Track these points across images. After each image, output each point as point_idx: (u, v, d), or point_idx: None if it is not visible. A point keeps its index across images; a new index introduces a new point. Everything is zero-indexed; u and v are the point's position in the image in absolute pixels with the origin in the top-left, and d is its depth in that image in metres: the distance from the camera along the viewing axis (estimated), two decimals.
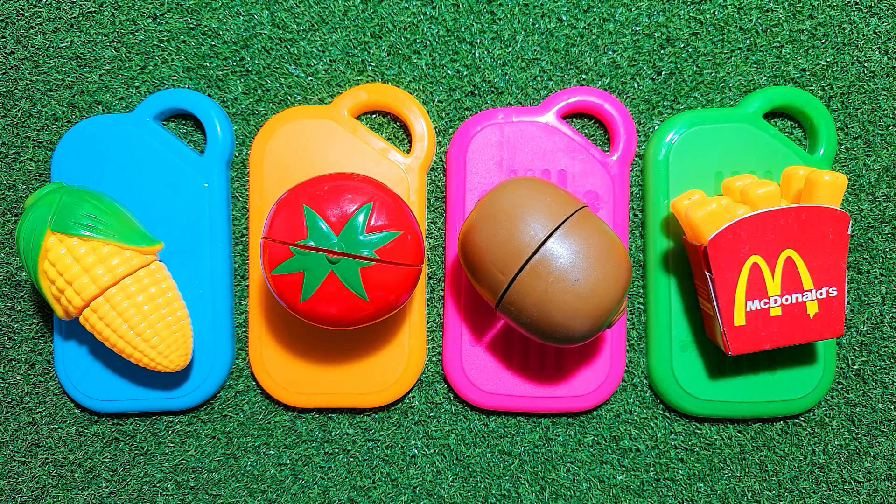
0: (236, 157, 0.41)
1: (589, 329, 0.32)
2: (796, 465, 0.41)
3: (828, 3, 0.40)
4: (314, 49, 0.41)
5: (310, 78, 0.41)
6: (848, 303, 0.41)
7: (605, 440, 0.41)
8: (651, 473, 0.41)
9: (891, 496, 0.41)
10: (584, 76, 0.41)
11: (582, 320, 0.32)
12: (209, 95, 0.41)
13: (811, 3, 0.40)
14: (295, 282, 0.32)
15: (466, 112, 0.41)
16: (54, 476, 0.41)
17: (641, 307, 0.41)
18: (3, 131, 0.41)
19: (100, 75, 0.41)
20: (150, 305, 0.34)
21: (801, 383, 0.40)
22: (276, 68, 0.41)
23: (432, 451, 0.41)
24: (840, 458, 0.41)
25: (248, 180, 0.41)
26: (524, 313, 0.32)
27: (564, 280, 0.31)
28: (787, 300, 0.35)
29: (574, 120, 0.41)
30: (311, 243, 0.31)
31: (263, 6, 0.40)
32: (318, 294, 0.32)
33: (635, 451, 0.41)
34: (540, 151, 0.39)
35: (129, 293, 0.34)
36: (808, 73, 0.41)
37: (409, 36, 0.40)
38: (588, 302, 0.31)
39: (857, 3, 0.41)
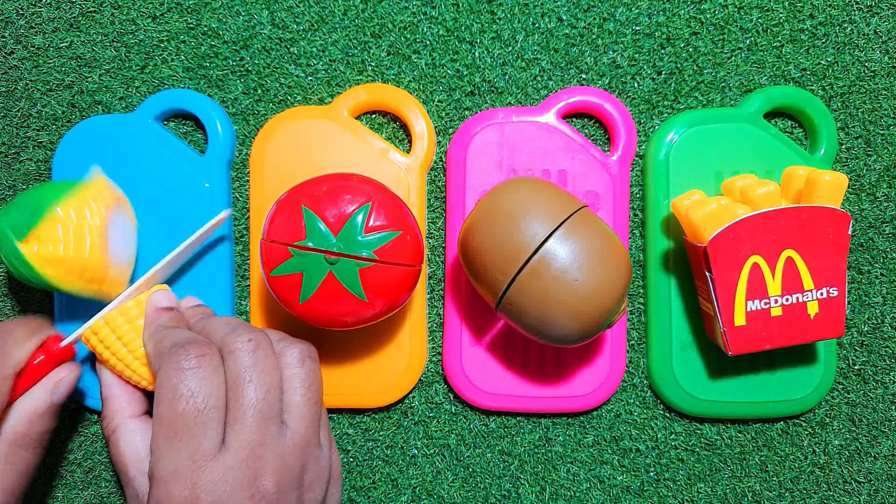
0: (237, 157, 0.41)
1: (589, 329, 0.32)
2: (797, 465, 0.41)
3: (828, 3, 0.40)
4: (314, 49, 0.41)
5: (310, 78, 0.41)
6: (848, 303, 0.41)
7: (605, 440, 0.41)
8: (651, 473, 0.41)
9: (891, 496, 0.41)
10: (584, 76, 0.41)
11: (582, 320, 0.32)
12: (209, 95, 0.41)
13: (811, 3, 0.40)
14: (294, 283, 0.32)
15: (466, 112, 0.41)
16: (54, 476, 0.41)
17: (641, 307, 0.41)
18: (3, 131, 0.41)
19: (100, 75, 0.41)
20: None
21: (801, 383, 0.40)
22: (276, 68, 0.41)
23: (432, 451, 0.41)
24: (840, 459, 0.41)
25: (248, 180, 0.41)
26: (524, 313, 0.32)
27: (564, 280, 0.31)
28: (787, 300, 0.35)
29: (574, 120, 0.41)
30: (310, 244, 0.31)
31: (263, 6, 0.40)
32: (317, 295, 0.32)
33: (635, 451, 0.41)
34: (540, 151, 0.39)
35: (130, 317, 0.34)
36: (808, 72, 0.41)
37: (409, 36, 0.40)
38: (588, 302, 0.31)
39: (857, 3, 0.40)
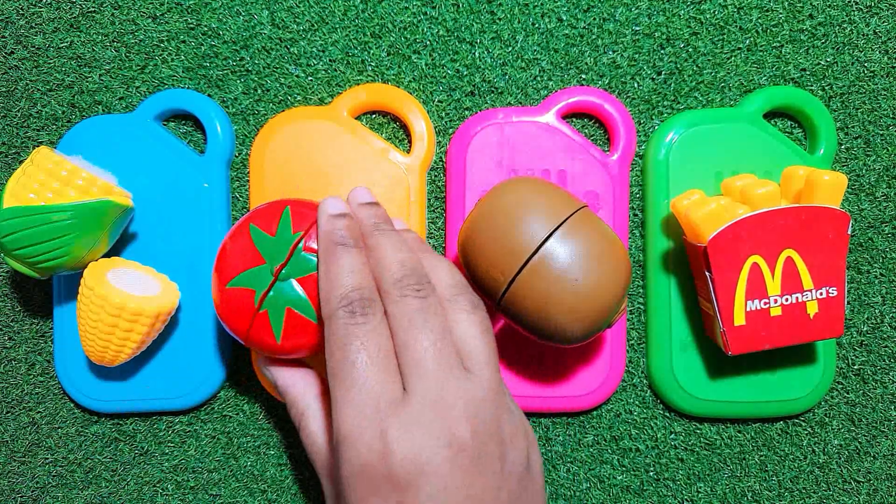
0: (236, 157, 0.41)
1: (589, 329, 0.32)
2: (796, 464, 0.41)
3: (828, 3, 0.40)
4: (314, 49, 0.41)
5: (310, 78, 0.41)
6: (848, 303, 0.41)
7: (605, 440, 0.41)
8: (651, 473, 0.41)
9: (891, 496, 0.41)
10: (584, 76, 0.41)
11: (582, 320, 0.32)
12: (209, 95, 0.41)
13: (811, 3, 0.40)
14: (239, 259, 0.32)
15: (466, 112, 0.41)
16: (54, 476, 0.41)
17: (641, 307, 0.41)
18: (3, 131, 0.41)
19: (100, 75, 0.41)
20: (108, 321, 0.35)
21: (801, 383, 0.40)
22: (276, 68, 0.41)
23: None
24: (840, 458, 0.41)
25: (248, 180, 0.41)
26: (524, 313, 0.32)
27: (564, 280, 0.31)
28: (787, 300, 0.35)
29: (574, 120, 0.41)
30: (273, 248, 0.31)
31: (263, 6, 0.40)
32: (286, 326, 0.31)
33: (635, 451, 0.41)
34: (540, 151, 0.39)
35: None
36: (808, 72, 0.41)
37: (409, 36, 0.40)
38: (588, 302, 0.31)
39: (857, 3, 0.41)
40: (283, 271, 0.31)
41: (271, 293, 0.31)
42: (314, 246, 0.31)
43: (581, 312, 0.32)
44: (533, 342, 0.40)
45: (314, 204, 0.33)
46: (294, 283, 0.31)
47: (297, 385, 0.32)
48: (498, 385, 0.27)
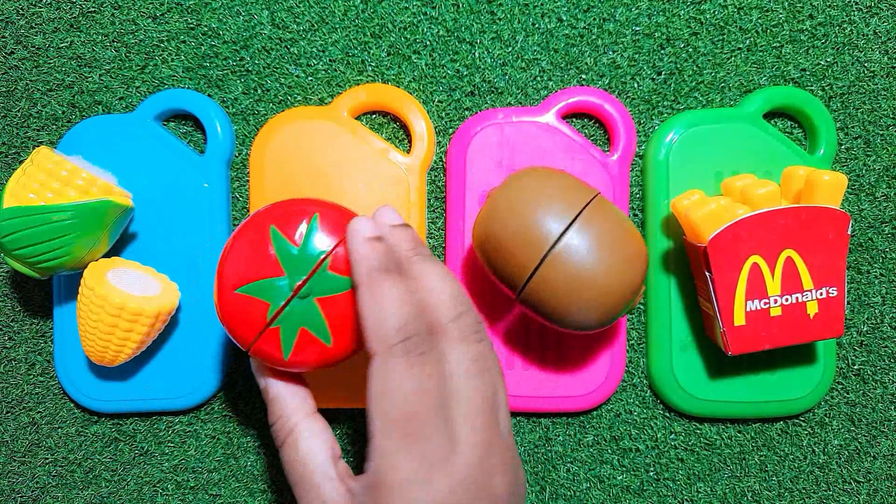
0: (236, 157, 0.41)
1: (610, 315, 0.33)
2: (796, 465, 0.41)
3: (828, 3, 0.40)
4: (314, 49, 0.41)
5: (310, 78, 0.41)
6: (848, 303, 0.41)
7: (605, 440, 0.41)
8: (651, 473, 0.41)
9: (891, 496, 0.41)
10: (584, 76, 0.41)
11: (603, 306, 0.32)
12: (209, 95, 0.41)
13: (811, 3, 0.40)
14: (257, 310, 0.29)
15: (466, 112, 0.41)
16: (54, 476, 0.41)
17: (641, 307, 0.41)
18: (3, 131, 0.41)
19: (100, 75, 0.41)
20: (109, 321, 0.34)
21: (801, 383, 0.40)
22: (276, 68, 0.41)
23: None
24: (840, 458, 0.41)
25: (248, 180, 0.41)
26: (545, 304, 0.33)
27: (584, 270, 0.31)
28: (787, 300, 0.35)
29: (574, 120, 0.41)
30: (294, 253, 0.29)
31: (263, 6, 0.40)
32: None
33: (635, 451, 0.41)
34: (540, 151, 0.39)
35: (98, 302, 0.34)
36: (808, 73, 0.41)
37: (409, 36, 0.40)
38: (608, 290, 0.32)
39: (857, 3, 0.41)
40: (304, 288, 0.28)
41: (287, 309, 0.28)
42: (340, 266, 0.29)
43: (601, 300, 0.32)
44: (532, 342, 0.40)
45: (342, 210, 0.30)
46: (314, 301, 0.28)
47: (291, 399, 0.30)
48: (512, 437, 0.28)
